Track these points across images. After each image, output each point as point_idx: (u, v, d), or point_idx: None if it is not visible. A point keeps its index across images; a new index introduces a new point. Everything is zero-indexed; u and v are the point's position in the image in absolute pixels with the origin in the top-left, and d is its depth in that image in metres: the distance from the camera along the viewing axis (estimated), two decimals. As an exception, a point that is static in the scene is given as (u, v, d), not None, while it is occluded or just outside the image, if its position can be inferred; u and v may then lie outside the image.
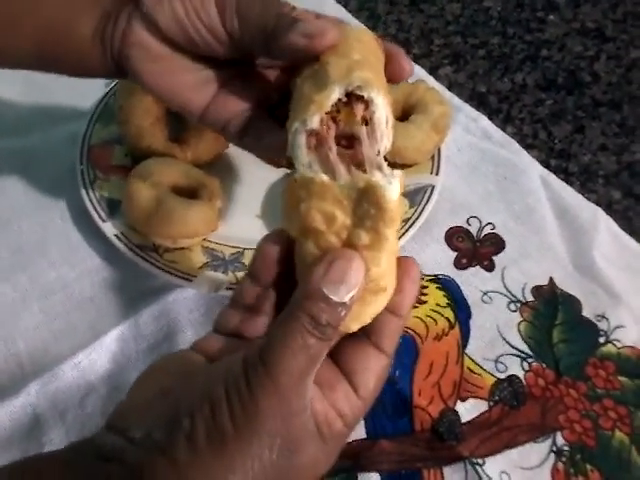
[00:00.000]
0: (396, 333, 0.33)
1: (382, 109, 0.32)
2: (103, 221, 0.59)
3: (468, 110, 0.73)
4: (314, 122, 0.31)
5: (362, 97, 0.32)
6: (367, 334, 0.32)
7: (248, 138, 0.42)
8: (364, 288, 0.30)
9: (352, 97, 0.32)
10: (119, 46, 0.40)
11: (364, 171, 0.31)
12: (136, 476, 0.27)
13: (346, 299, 0.29)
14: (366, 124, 0.32)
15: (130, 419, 0.29)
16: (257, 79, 0.43)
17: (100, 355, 0.55)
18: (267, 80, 0.43)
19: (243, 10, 0.37)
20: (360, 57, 0.34)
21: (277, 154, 0.37)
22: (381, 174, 0.30)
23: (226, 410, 0.27)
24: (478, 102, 0.75)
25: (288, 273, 0.33)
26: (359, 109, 0.32)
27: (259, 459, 0.27)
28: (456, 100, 0.74)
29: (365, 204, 0.29)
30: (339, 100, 0.32)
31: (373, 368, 0.32)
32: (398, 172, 0.30)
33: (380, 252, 0.30)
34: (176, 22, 0.38)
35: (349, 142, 0.33)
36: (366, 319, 0.31)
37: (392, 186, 0.29)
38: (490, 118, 0.72)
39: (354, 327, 0.31)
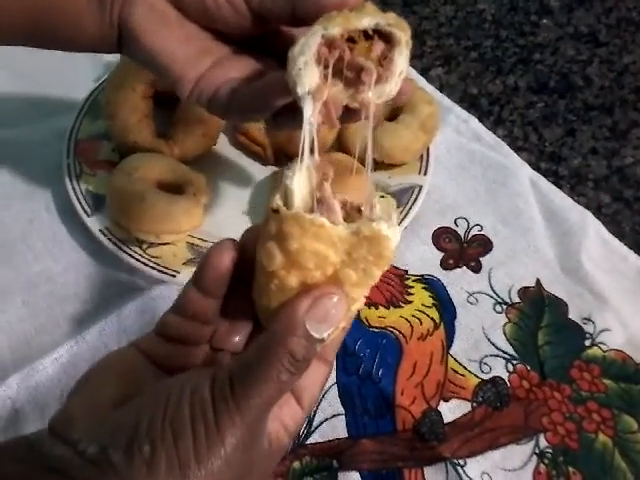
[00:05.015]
0: (339, 343, 0.33)
1: (404, 55, 0.32)
2: (88, 216, 0.59)
3: (459, 111, 0.73)
4: (335, 31, 0.31)
5: (387, 37, 0.32)
6: None
7: (237, 98, 0.38)
8: None
9: (375, 37, 0.32)
10: (121, 4, 0.38)
11: (358, 210, 0.29)
12: None
13: (325, 336, 0.28)
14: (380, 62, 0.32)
15: (79, 428, 0.28)
16: (263, 57, 0.40)
17: (82, 349, 0.54)
18: (273, 59, 0.40)
19: None
20: None
21: (270, 101, 0.35)
22: (385, 223, 0.28)
23: (190, 441, 0.26)
24: (469, 104, 0.75)
25: (234, 282, 0.32)
26: (379, 46, 0.32)
27: None
28: (447, 101, 0.73)
29: (364, 250, 0.28)
30: (362, 34, 0.32)
31: (318, 380, 0.32)
32: (395, 215, 0.29)
33: (365, 289, 0.30)
34: None
35: (356, 77, 0.32)
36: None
37: (396, 237, 0.28)
38: (481, 120, 0.72)
39: None
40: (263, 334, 0.29)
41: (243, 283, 0.31)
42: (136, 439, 0.26)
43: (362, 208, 0.29)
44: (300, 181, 0.29)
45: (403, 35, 0.32)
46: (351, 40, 0.32)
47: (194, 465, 0.25)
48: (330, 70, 0.32)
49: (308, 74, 0.31)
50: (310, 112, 0.31)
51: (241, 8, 0.37)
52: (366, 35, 0.32)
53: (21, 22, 0.40)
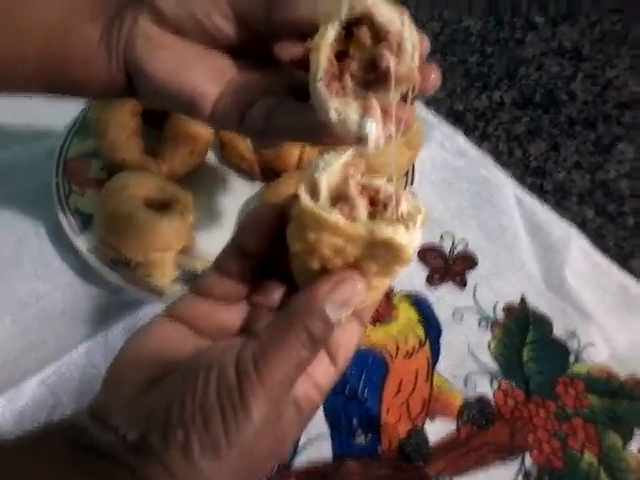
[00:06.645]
0: (375, 307, 0.34)
1: (385, 11, 0.31)
2: (77, 235, 0.59)
3: (444, 127, 0.73)
4: (322, 68, 0.31)
5: (361, 19, 0.31)
6: None
7: (275, 122, 0.38)
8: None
9: (353, 28, 0.32)
10: (125, 43, 0.39)
11: (384, 205, 0.28)
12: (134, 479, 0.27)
13: (342, 318, 0.29)
14: (380, 41, 0.31)
15: (118, 414, 0.29)
16: (278, 67, 0.40)
17: (69, 369, 0.55)
18: (290, 69, 0.40)
19: None
20: None
21: (316, 132, 0.35)
22: (403, 227, 0.27)
23: (220, 423, 0.27)
24: (455, 119, 0.76)
25: (275, 243, 0.32)
26: (364, 32, 0.31)
27: (250, 460, 0.28)
28: (432, 118, 0.74)
29: (382, 250, 0.28)
30: (345, 37, 0.31)
31: (353, 339, 0.33)
32: (420, 218, 0.28)
33: (387, 278, 0.30)
34: (180, 5, 0.37)
35: (376, 70, 0.31)
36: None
37: (413, 242, 0.28)
38: (466, 135, 0.73)
39: None
40: (282, 313, 0.30)
41: (283, 244, 0.31)
42: (170, 424, 0.27)
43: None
44: (330, 173, 0.29)
45: (360, 3, 0.31)
46: (345, 53, 0.32)
47: (225, 445, 0.27)
48: (361, 91, 0.31)
49: (351, 115, 0.31)
50: (375, 136, 0.31)
51: (227, 13, 0.37)
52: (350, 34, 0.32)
53: (38, 76, 0.41)
